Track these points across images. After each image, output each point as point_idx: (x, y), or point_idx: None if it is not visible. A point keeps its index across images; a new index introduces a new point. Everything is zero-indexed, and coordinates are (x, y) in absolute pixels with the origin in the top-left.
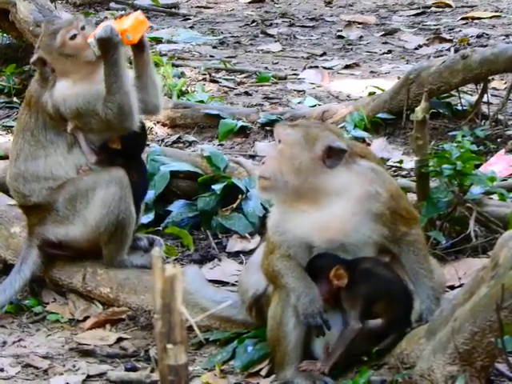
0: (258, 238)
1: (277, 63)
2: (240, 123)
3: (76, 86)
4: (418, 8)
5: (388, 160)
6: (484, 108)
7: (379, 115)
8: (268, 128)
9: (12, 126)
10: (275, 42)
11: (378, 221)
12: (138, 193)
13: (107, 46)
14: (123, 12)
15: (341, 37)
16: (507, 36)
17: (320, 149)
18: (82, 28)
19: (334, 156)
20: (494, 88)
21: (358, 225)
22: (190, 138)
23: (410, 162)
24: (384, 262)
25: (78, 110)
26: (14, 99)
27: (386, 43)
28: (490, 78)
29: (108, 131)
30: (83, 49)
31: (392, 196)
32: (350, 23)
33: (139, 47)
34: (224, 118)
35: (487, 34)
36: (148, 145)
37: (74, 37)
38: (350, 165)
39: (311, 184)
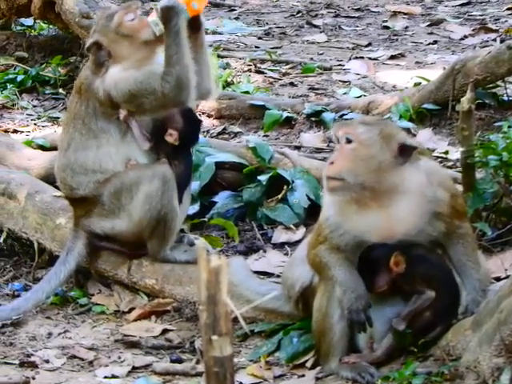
0: (303, 229)
1: (322, 54)
2: (285, 114)
3: (128, 70)
4: None
5: (434, 151)
6: None
7: (425, 106)
8: (313, 119)
9: (58, 118)
10: (320, 32)
11: (438, 218)
12: (181, 182)
13: (171, 14)
14: None
15: (386, 27)
16: None
17: (395, 147)
18: (139, 13)
19: (404, 153)
20: None
21: (420, 223)
22: (236, 128)
23: (455, 153)
24: (436, 252)
25: (129, 92)
26: (60, 90)
27: (431, 34)
28: None
29: (162, 109)
30: (140, 30)
31: (452, 195)
32: (395, 13)
33: (195, 27)
34: (269, 109)
35: None
36: (197, 139)
37: (131, 17)
38: (416, 162)
39: (386, 183)
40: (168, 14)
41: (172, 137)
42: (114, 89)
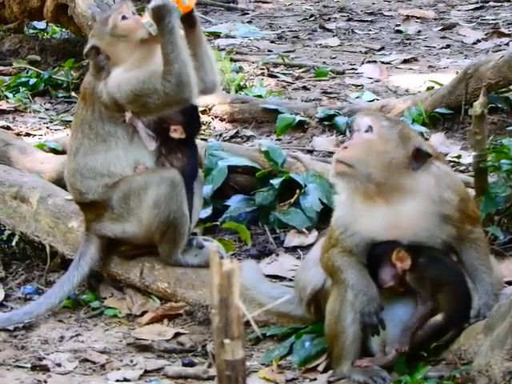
0: (315, 233)
1: (335, 58)
2: (298, 118)
3: (129, 71)
4: (477, 2)
5: (446, 155)
6: None
7: (437, 110)
8: (326, 123)
9: (70, 121)
10: (333, 36)
11: (447, 222)
12: (186, 175)
13: (162, 13)
14: None
15: (399, 31)
16: None
17: (410, 149)
18: (133, 13)
19: (419, 158)
20: None
21: (428, 225)
22: (248, 132)
23: (468, 157)
24: (448, 255)
25: (132, 93)
26: (73, 94)
27: (444, 38)
28: None
29: (166, 108)
30: (135, 29)
31: (462, 199)
32: (408, 18)
33: (190, 22)
34: (282, 113)
35: None
36: (200, 127)
37: (124, 18)
38: (429, 166)
39: (393, 181)
40: (160, 14)
41: (177, 132)
42: (117, 91)
